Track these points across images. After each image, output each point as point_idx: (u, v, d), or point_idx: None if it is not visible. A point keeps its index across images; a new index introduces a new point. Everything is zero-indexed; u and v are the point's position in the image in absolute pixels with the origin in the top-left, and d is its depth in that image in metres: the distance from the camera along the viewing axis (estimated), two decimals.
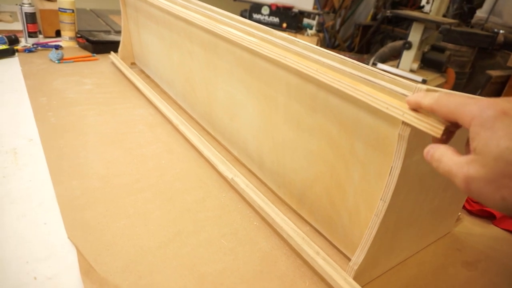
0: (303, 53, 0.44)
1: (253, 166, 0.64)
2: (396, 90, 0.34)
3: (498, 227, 0.59)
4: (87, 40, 1.15)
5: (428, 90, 0.31)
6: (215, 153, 0.65)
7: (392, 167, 0.36)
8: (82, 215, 0.50)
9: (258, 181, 0.63)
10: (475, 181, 0.25)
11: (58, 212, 0.50)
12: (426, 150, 0.30)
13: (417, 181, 0.40)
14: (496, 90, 1.93)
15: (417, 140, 0.35)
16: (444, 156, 0.28)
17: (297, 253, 0.49)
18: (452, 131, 0.31)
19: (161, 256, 0.46)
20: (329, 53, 0.42)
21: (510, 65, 1.81)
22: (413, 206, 0.43)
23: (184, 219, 0.52)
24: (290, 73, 0.47)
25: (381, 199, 0.38)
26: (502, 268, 0.51)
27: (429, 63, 1.99)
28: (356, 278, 0.42)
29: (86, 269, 0.42)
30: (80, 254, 0.44)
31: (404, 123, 0.33)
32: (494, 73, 1.94)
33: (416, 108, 0.32)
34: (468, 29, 2.19)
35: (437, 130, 0.30)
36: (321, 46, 0.43)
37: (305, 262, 0.48)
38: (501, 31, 2.20)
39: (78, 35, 1.21)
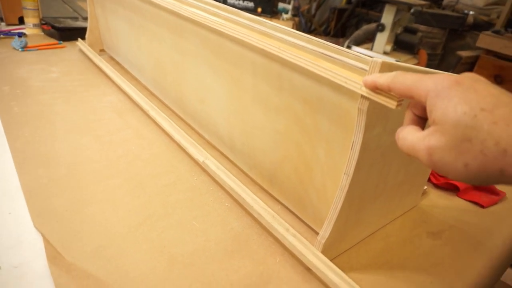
0: (267, 31, 0.44)
1: (224, 148, 0.64)
2: (355, 65, 0.35)
3: (462, 198, 0.62)
4: (53, 27, 1.11)
5: (384, 63, 0.32)
6: (185, 136, 0.65)
7: (353, 141, 0.37)
8: (49, 203, 0.49)
9: (229, 163, 0.63)
10: (437, 151, 0.25)
11: (23, 201, 0.49)
12: (396, 132, 0.30)
13: (380, 155, 0.41)
14: (466, 70, 1.99)
15: (376, 113, 0.36)
16: (408, 134, 0.28)
17: (268, 232, 0.49)
18: (424, 118, 0.31)
19: (130, 240, 0.45)
20: (295, 32, 0.42)
21: (479, 45, 1.86)
22: (377, 180, 0.44)
23: (154, 203, 0.52)
24: (255, 53, 0.47)
25: (344, 173, 0.39)
26: (464, 236, 0.53)
27: (402, 45, 2.02)
28: (324, 251, 0.44)
29: (53, 255, 0.41)
30: (46, 241, 0.43)
31: (362, 96, 0.34)
32: (464, 53, 2.00)
33: (373, 88, 0.32)
34: (440, 11, 2.23)
35: (392, 102, 0.31)
36: (297, 30, 0.43)
37: (276, 239, 0.48)
38: (470, 12, 2.25)
39: (43, 22, 1.16)
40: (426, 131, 0.27)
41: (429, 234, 0.54)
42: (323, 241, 0.43)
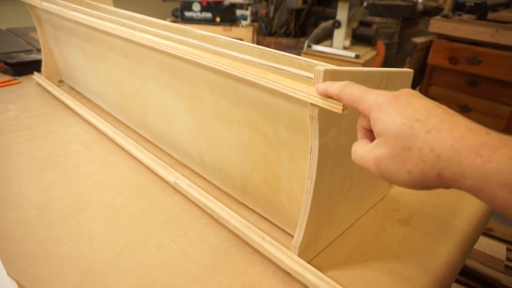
0: (218, 50, 0.45)
1: (195, 166, 0.65)
2: (301, 74, 0.36)
3: None
4: (5, 63, 1.08)
5: (326, 71, 0.34)
6: (155, 159, 0.65)
7: (311, 146, 0.38)
8: (21, 247, 0.48)
9: (202, 179, 0.64)
10: (383, 161, 0.28)
11: None
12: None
13: (339, 155, 0.43)
14: (422, 56, 2.07)
15: (329, 118, 0.37)
16: (358, 147, 0.31)
17: (245, 243, 0.50)
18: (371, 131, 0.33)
19: (110, 271, 0.45)
20: (247, 45, 0.43)
21: (431, 30, 1.95)
22: (342, 178, 0.46)
23: (130, 231, 0.52)
24: (210, 71, 0.48)
25: (308, 177, 0.41)
26: (432, 218, 0.56)
27: (359, 38, 2.09)
28: (300, 255, 0.45)
29: None
30: None
31: (312, 104, 0.35)
32: (419, 40, 2.08)
33: (325, 96, 0.34)
34: (391, 2, 2.32)
35: (338, 107, 0.33)
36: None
37: (254, 249, 0.49)
38: (419, 0, 2.35)
39: None
40: (373, 144, 0.29)
41: (400, 221, 0.56)
42: (297, 245, 0.44)
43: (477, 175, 0.24)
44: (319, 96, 0.34)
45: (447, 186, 0.26)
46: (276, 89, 0.37)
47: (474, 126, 0.26)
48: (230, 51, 0.44)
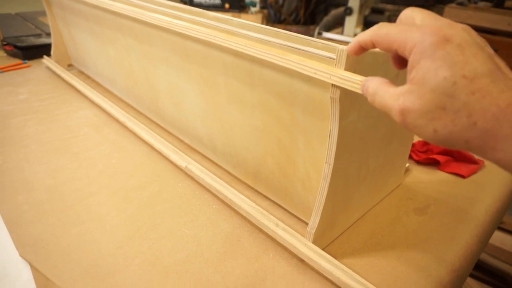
0: (233, 30, 0.43)
1: (206, 151, 0.64)
2: (322, 55, 0.35)
3: (443, 171, 0.63)
4: (15, 46, 1.08)
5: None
6: (166, 144, 0.64)
7: (330, 130, 0.37)
8: (32, 230, 0.48)
9: (213, 165, 0.63)
10: (411, 113, 0.24)
11: (6, 232, 0.48)
12: (362, 83, 0.29)
13: (358, 140, 0.42)
14: None
15: (349, 101, 0.36)
16: (379, 89, 0.27)
17: (258, 229, 0.49)
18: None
19: (121, 255, 0.45)
20: (262, 27, 0.42)
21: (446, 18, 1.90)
22: (359, 165, 0.45)
23: (141, 215, 0.51)
24: (224, 52, 0.47)
25: (326, 163, 0.39)
26: (449, 208, 0.55)
27: (371, 25, 2.02)
28: (315, 241, 0.44)
29: (43, 283, 0.40)
30: (34, 269, 0.42)
31: (333, 85, 0.34)
32: None
33: (359, 51, 0.30)
34: None
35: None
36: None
37: (267, 235, 0.49)
38: None
39: (5, 43, 1.13)
40: (401, 89, 0.25)
41: (416, 210, 0.55)
42: (313, 232, 0.43)
43: (511, 149, 0.22)
44: (342, 76, 0.32)
45: (472, 151, 0.24)
46: (295, 70, 0.36)
47: None
48: (246, 30, 0.42)
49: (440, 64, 0.23)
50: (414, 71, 0.24)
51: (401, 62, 0.29)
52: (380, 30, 0.27)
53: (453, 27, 0.24)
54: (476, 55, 0.23)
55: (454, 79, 0.23)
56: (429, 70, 0.23)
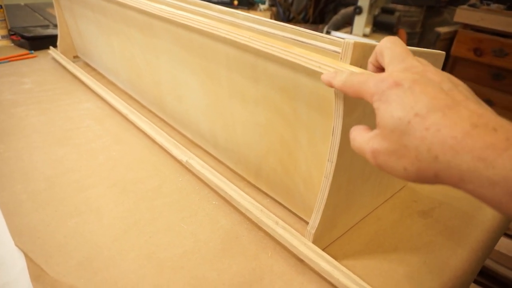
0: (238, 22, 0.42)
1: (208, 146, 0.63)
2: (327, 48, 0.34)
3: None
4: (22, 36, 1.08)
5: (356, 44, 0.31)
6: (167, 138, 0.63)
7: (333, 127, 0.36)
8: (29, 219, 0.48)
9: (214, 160, 0.62)
10: (380, 154, 0.26)
11: (2, 220, 0.47)
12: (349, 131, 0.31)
13: None
14: (445, 46, 1.99)
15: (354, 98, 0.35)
16: (355, 134, 0.29)
17: (258, 226, 0.48)
18: None
19: (117, 249, 0.44)
20: (267, 21, 0.41)
21: (456, 20, 1.87)
22: (362, 164, 0.44)
23: (140, 209, 0.51)
24: (227, 45, 0.45)
25: (328, 160, 0.38)
26: (455, 212, 0.53)
27: (380, 26, 2.02)
28: (315, 241, 0.43)
29: (37, 273, 0.40)
30: (29, 259, 0.42)
31: None
32: (443, 30, 2.00)
33: (328, 85, 0.32)
34: None
35: None
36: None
37: (266, 233, 0.48)
38: None
39: (12, 33, 1.13)
40: (371, 134, 0.27)
41: (420, 213, 0.53)
42: (313, 231, 0.42)
43: (478, 181, 0.21)
44: (348, 70, 0.31)
45: (445, 184, 0.24)
46: (300, 64, 0.35)
47: (482, 120, 0.22)
48: (250, 23, 0.41)
49: (395, 107, 0.25)
50: (378, 116, 0.26)
51: None
52: (347, 82, 0.29)
53: (402, 70, 0.27)
54: (427, 93, 0.24)
55: (408, 118, 0.24)
56: (386, 113, 0.25)
